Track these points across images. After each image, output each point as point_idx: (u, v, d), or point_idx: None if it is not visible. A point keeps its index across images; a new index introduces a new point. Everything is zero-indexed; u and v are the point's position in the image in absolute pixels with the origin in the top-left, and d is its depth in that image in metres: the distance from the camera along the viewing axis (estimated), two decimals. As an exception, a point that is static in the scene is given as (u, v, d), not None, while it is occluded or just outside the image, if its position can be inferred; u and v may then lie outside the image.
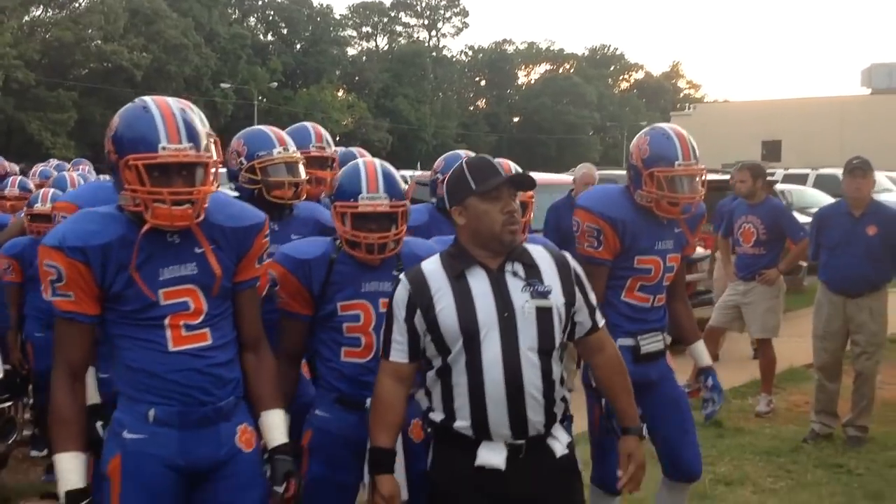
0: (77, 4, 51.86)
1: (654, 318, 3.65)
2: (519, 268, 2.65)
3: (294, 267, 3.02)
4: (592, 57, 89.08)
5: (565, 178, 10.49)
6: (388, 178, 3.06)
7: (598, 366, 2.81)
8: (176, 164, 2.47)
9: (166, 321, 2.56)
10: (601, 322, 2.80)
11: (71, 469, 2.48)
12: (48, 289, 2.51)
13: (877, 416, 6.36)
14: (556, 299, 2.64)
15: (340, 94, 67.21)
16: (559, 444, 2.67)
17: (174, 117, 2.50)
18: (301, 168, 3.64)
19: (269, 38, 69.10)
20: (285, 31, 68.49)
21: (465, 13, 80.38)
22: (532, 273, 2.64)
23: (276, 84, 58.18)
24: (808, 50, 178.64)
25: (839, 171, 8.93)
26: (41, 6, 51.61)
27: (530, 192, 3.35)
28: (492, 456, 2.59)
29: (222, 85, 54.14)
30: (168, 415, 2.55)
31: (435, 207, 4.10)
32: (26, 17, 50.39)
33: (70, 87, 47.79)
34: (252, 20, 69.41)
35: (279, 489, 2.65)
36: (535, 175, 3.72)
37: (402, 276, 2.73)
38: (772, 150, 44.94)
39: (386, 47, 78.09)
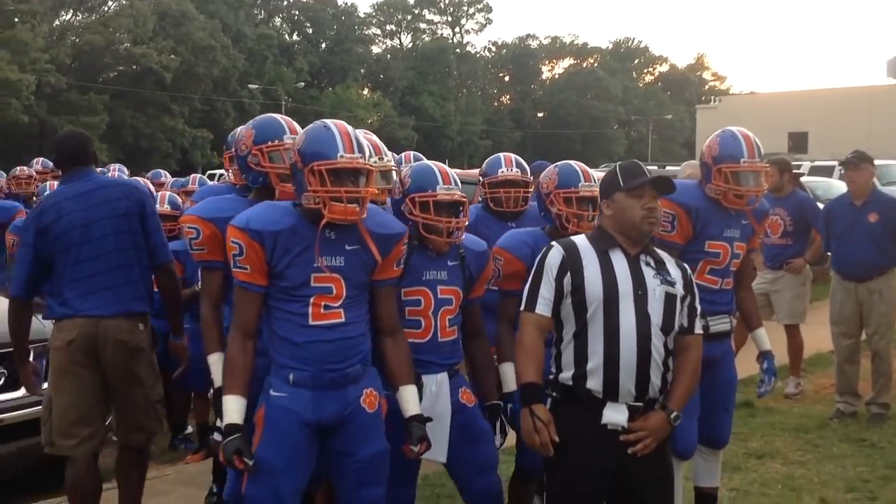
0: (106, 8, 52.71)
1: (722, 301, 4.04)
2: (651, 260, 3.14)
3: None
4: (616, 50, 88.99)
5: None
6: (453, 175, 3.55)
7: (680, 361, 3.19)
8: (349, 169, 3.05)
9: (311, 300, 3.09)
10: (698, 329, 3.20)
11: (233, 408, 3.05)
12: (231, 261, 3.11)
13: (899, 398, 6.74)
14: (678, 291, 3.12)
15: (365, 92, 67.71)
16: None
17: (349, 134, 3.09)
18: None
19: (295, 37, 69.69)
20: (310, 31, 69.12)
21: (488, 9, 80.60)
22: (661, 267, 3.13)
23: (302, 84, 58.70)
24: (834, 40, 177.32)
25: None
26: (71, 10, 52.49)
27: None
28: (616, 415, 3.03)
29: (250, 86, 54.70)
30: (303, 378, 3.09)
31: (482, 208, 4.53)
32: (56, 22, 51.26)
33: (101, 91, 48.52)
34: (277, 20, 70.07)
35: (415, 448, 3.20)
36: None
37: (555, 243, 3.19)
38: (798, 142, 44.92)
39: (410, 45, 78.50)
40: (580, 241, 3.19)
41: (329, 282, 3.11)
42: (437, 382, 3.47)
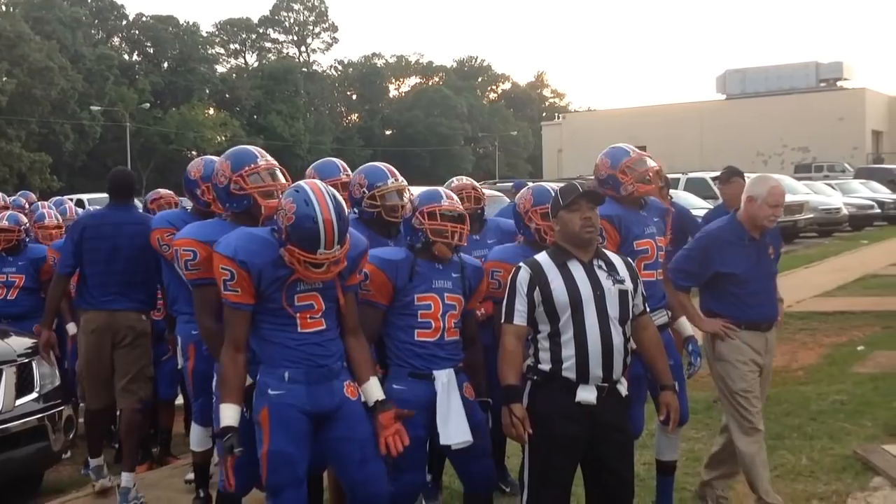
0: (-66, 29, 50.14)
1: (658, 293, 4.63)
2: (602, 264, 3.71)
3: (384, 266, 3.92)
4: (461, 69, 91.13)
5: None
6: (454, 196, 4.06)
7: (643, 339, 3.85)
8: (324, 262, 3.43)
9: (297, 314, 3.54)
10: (647, 309, 3.88)
11: (228, 415, 3.46)
12: (221, 285, 3.50)
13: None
14: (629, 286, 3.71)
15: (211, 112, 66.73)
16: (623, 388, 3.73)
17: (333, 229, 3.39)
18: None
19: (136, 57, 68.09)
20: (151, 51, 67.69)
21: (334, 28, 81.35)
22: (611, 268, 3.72)
23: (147, 105, 57.34)
24: (665, 58, 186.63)
25: (705, 175, 9.82)
26: None
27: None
28: (587, 395, 3.61)
29: (92, 108, 53.08)
30: (297, 375, 3.53)
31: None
32: None
33: (-69, 116, 46.17)
34: (116, 40, 68.28)
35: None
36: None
37: (521, 264, 3.73)
38: (638, 155, 47.37)
39: (256, 64, 77.99)
40: (542, 258, 3.76)
41: (310, 299, 3.56)
42: (447, 376, 3.94)
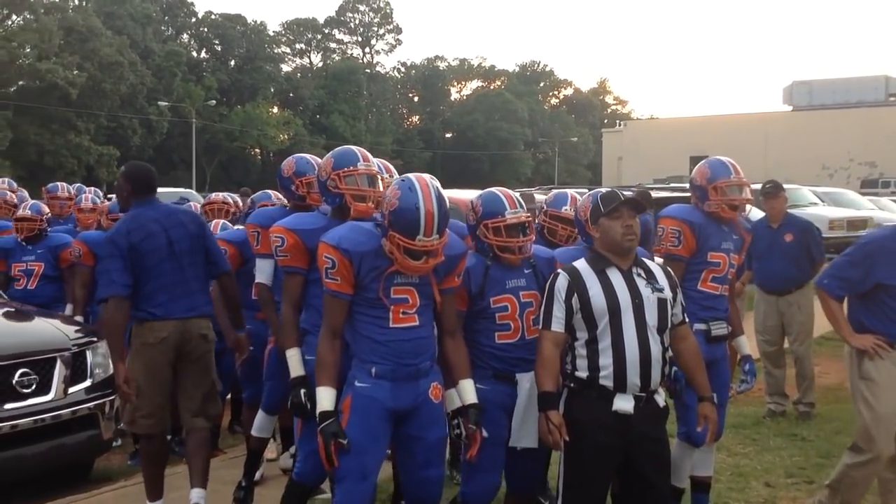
0: (10, 22, 51.48)
1: (721, 306, 4.60)
2: (641, 272, 3.70)
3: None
4: (523, 73, 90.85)
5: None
6: (517, 197, 4.04)
7: (682, 350, 3.82)
8: (424, 250, 3.51)
9: (391, 307, 3.59)
10: (687, 319, 3.85)
11: (325, 397, 3.55)
12: (323, 273, 3.60)
13: (821, 398, 7.57)
14: (668, 294, 3.69)
15: (275, 110, 67.59)
16: (661, 398, 3.71)
17: (433, 217, 3.49)
18: None
19: (204, 55, 69.19)
20: (219, 48, 68.71)
21: (398, 30, 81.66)
22: (650, 276, 3.70)
23: (213, 102, 58.20)
24: (731, 67, 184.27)
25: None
26: (-28, 25, 51.11)
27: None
28: (624, 404, 3.59)
29: (159, 103, 54.04)
30: (384, 371, 3.58)
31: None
32: (-42, 36, 49.80)
33: (3, 106, 47.28)
34: (185, 37, 69.48)
35: (473, 427, 3.71)
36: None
37: (560, 270, 3.74)
38: (699, 165, 46.81)
39: (320, 64, 78.75)
40: (580, 265, 3.74)
41: (405, 293, 3.62)
42: (529, 380, 3.92)
